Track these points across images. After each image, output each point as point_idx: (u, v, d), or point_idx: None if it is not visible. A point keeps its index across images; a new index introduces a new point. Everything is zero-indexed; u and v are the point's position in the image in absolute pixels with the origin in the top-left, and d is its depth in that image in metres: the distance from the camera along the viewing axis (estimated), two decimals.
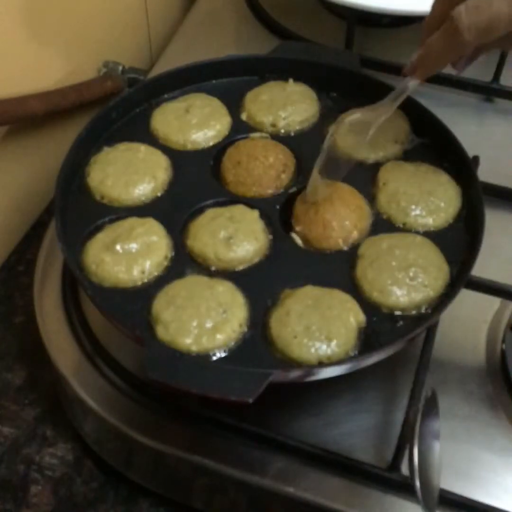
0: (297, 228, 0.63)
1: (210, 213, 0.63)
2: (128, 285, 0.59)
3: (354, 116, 0.63)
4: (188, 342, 0.55)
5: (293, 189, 0.66)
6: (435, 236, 0.63)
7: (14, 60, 0.75)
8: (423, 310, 0.58)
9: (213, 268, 0.61)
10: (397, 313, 0.58)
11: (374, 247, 0.61)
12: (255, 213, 0.63)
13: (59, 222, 0.61)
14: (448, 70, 0.62)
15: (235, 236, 0.61)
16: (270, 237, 0.63)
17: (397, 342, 0.56)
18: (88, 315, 0.67)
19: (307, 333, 0.56)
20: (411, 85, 0.61)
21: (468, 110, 0.85)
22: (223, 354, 0.55)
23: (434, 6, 0.56)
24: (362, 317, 0.58)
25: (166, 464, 0.61)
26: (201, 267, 0.61)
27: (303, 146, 0.70)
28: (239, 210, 0.63)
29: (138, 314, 0.58)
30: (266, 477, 0.58)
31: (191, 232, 0.62)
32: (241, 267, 0.61)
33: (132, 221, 0.63)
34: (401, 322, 0.58)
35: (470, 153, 0.67)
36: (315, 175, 0.62)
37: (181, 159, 0.68)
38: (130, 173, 0.66)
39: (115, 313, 0.57)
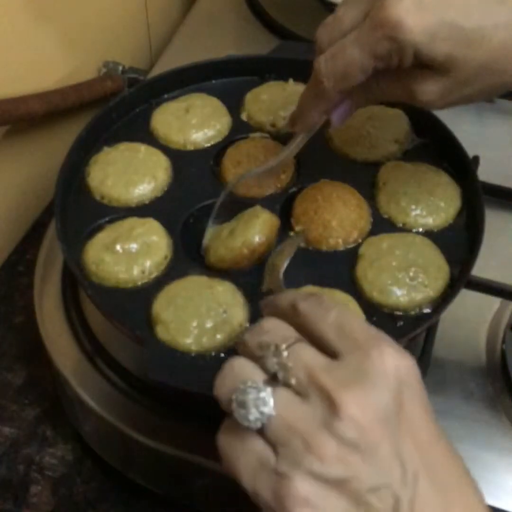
0: (297, 228, 0.63)
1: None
2: (128, 285, 0.59)
3: (249, 173, 0.65)
4: (188, 342, 0.55)
5: (293, 189, 0.66)
6: (435, 236, 0.63)
7: (14, 60, 0.75)
8: (423, 310, 0.58)
9: None
10: (397, 313, 0.58)
11: (374, 247, 0.61)
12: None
13: (59, 222, 0.61)
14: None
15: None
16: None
17: (397, 342, 0.56)
18: (88, 315, 0.67)
19: None
20: (298, 140, 0.62)
21: (468, 110, 0.85)
22: (223, 354, 0.55)
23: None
24: (362, 317, 0.58)
25: (166, 464, 0.61)
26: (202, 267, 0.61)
27: (303, 146, 0.70)
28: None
29: (138, 314, 0.58)
30: None
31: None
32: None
33: (132, 221, 0.63)
34: (401, 322, 0.58)
35: (470, 153, 0.67)
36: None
37: (181, 159, 0.68)
38: (130, 173, 0.66)
39: (115, 313, 0.57)
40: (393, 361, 0.39)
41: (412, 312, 0.58)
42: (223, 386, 0.41)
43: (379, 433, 0.38)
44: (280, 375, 0.39)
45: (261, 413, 0.38)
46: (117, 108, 0.71)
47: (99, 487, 0.65)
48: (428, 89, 0.53)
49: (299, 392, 0.39)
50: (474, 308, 0.67)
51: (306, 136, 0.62)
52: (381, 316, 0.58)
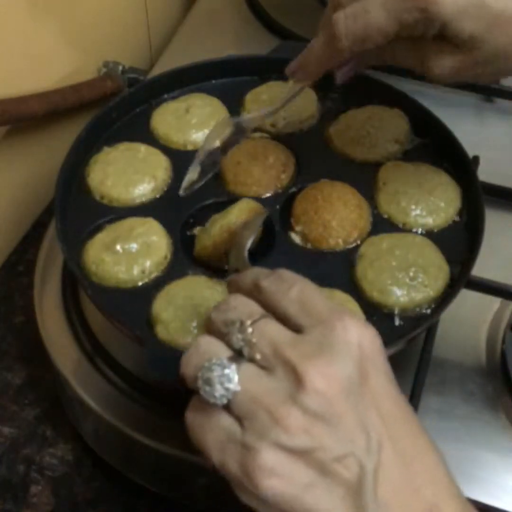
0: (297, 228, 0.63)
1: None
2: (128, 285, 0.59)
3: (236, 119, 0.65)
4: (188, 342, 0.55)
5: (293, 189, 0.66)
6: (435, 236, 0.63)
7: (14, 60, 0.75)
8: (423, 310, 0.58)
9: None
10: (397, 313, 0.58)
11: (374, 247, 0.61)
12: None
13: (59, 222, 0.61)
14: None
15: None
16: None
17: (397, 342, 0.56)
18: (88, 315, 0.67)
19: None
20: (293, 89, 0.61)
21: (468, 110, 0.85)
22: None
23: (325, 14, 0.56)
24: (362, 317, 0.58)
25: (166, 464, 0.61)
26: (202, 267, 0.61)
27: (303, 146, 0.70)
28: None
29: (138, 314, 0.58)
30: None
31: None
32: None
33: (132, 221, 0.63)
34: (401, 322, 0.58)
35: (470, 153, 0.67)
36: None
37: (181, 159, 0.68)
38: (130, 173, 0.66)
39: (115, 313, 0.57)
40: (356, 333, 0.40)
41: (412, 312, 0.58)
42: (189, 364, 0.41)
43: (343, 404, 0.38)
44: (245, 351, 0.40)
45: (226, 389, 0.39)
46: (117, 108, 0.71)
47: (99, 487, 0.65)
48: (443, 63, 0.52)
49: (265, 367, 0.39)
50: (474, 308, 0.67)
51: (303, 87, 0.61)
52: (381, 316, 0.58)
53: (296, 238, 0.63)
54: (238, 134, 0.64)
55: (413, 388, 0.60)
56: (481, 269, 0.60)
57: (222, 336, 0.41)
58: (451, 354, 0.65)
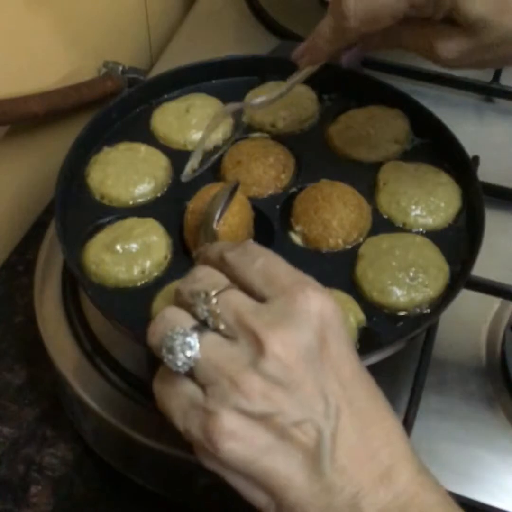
0: (297, 228, 0.63)
1: None
2: (128, 285, 0.59)
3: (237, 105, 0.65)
4: None
5: (293, 189, 0.66)
6: (435, 236, 0.63)
7: (14, 60, 0.75)
8: (423, 310, 0.58)
9: None
10: (397, 313, 0.58)
11: (374, 247, 0.61)
12: None
13: (59, 222, 0.61)
14: (449, 70, 0.61)
15: None
16: None
17: (397, 342, 0.56)
18: (88, 315, 0.67)
19: None
20: (297, 74, 0.61)
21: (468, 110, 0.85)
22: None
23: None
24: (362, 317, 0.58)
25: (166, 464, 0.61)
26: None
27: (303, 146, 0.70)
28: None
29: (138, 314, 0.58)
30: None
31: None
32: None
33: (132, 221, 0.63)
34: (401, 322, 0.58)
35: (470, 153, 0.67)
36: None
37: (181, 159, 0.68)
38: (130, 173, 0.66)
39: (115, 313, 0.57)
40: (317, 303, 0.41)
41: (412, 312, 0.58)
42: (154, 333, 0.43)
43: (302, 370, 0.40)
44: (210, 321, 0.41)
45: (188, 357, 0.40)
46: (117, 108, 0.71)
47: (99, 487, 0.65)
48: (450, 47, 0.52)
49: (228, 336, 0.41)
50: (474, 308, 0.67)
51: (310, 71, 0.61)
52: (381, 316, 0.58)
53: (296, 238, 0.63)
54: (240, 121, 0.64)
55: (413, 388, 0.60)
56: (481, 269, 0.60)
57: (188, 307, 0.42)
58: (451, 354, 0.65)
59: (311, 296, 0.41)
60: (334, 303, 0.42)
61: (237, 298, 0.42)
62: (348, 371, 0.41)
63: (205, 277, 0.44)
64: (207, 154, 0.64)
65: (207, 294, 0.42)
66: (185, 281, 0.44)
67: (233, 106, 0.65)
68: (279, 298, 0.41)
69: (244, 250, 0.44)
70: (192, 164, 0.63)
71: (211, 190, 0.60)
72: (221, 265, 0.44)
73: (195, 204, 0.61)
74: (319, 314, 0.41)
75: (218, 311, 0.41)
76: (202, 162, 0.64)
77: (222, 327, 0.41)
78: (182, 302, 0.43)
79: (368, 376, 0.43)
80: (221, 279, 0.43)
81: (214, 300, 0.41)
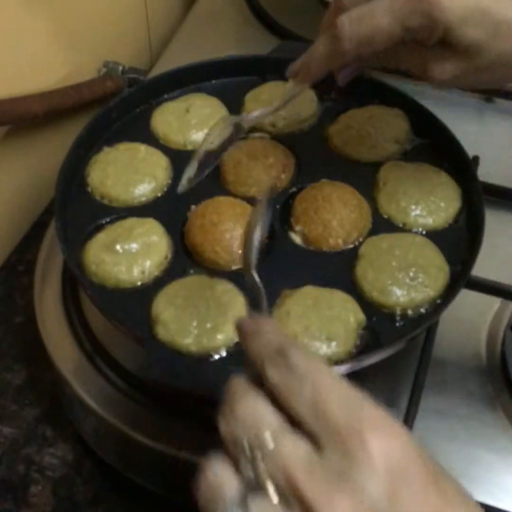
0: (297, 228, 0.63)
1: None
2: (128, 285, 0.59)
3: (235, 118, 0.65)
4: (188, 342, 0.55)
5: (293, 189, 0.67)
6: (435, 236, 0.63)
7: (14, 60, 0.75)
8: (423, 310, 0.58)
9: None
10: (397, 313, 0.58)
11: (374, 247, 0.61)
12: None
13: (59, 222, 0.61)
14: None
15: None
16: None
17: (397, 342, 0.56)
18: (88, 315, 0.67)
19: (307, 333, 0.56)
20: (293, 90, 0.61)
21: (468, 110, 0.85)
22: (223, 354, 0.55)
23: (326, 15, 0.56)
24: (362, 317, 0.58)
25: (166, 464, 0.61)
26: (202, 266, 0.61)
27: (303, 146, 0.70)
28: None
29: (138, 314, 0.58)
30: None
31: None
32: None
33: (132, 221, 0.63)
34: (401, 322, 0.58)
35: (470, 153, 0.67)
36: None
37: (181, 159, 0.68)
38: (130, 173, 0.66)
39: (115, 313, 0.57)
40: (380, 449, 0.34)
41: (412, 312, 0.58)
42: (200, 501, 0.39)
43: None
44: (256, 481, 0.36)
45: None
46: (117, 108, 0.71)
47: (99, 487, 0.65)
48: (445, 69, 0.53)
49: (280, 496, 0.35)
50: (474, 308, 0.67)
51: (304, 88, 0.61)
52: (381, 316, 0.58)
53: (296, 238, 0.63)
54: (237, 133, 0.64)
55: (413, 388, 0.60)
56: (481, 269, 0.60)
57: (233, 457, 0.37)
58: (451, 354, 0.65)
59: (371, 442, 0.34)
60: (403, 438, 0.35)
61: (286, 450, 0.36)
62: None
63: (247, 418, 0.38)
64: (204, 164, 0.63)
65: (251, 449, 0.36)
66: (226, 421, 0.38)
67: (230, 119, 0.65)
68: (333, 447, 0.35)
69: (288, 368, 0.37)
70: (188, 175, 0.63)
71: (220, 203, 0.61)
72: (264, 378, 0.38)
73: (200, 210, 0.61)
74: (385, 462, 0.34)
75: (265, 474, 0.35)
76: (198, 172, 0.64)
77: (271, 490, 0.35)
78: (226, 448, 0.38)
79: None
80: (265, 420, 0.37)
81: (258, 456, 0.36)
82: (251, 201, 0.65)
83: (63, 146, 0.66)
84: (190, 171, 0.63)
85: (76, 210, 0.65)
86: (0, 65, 0.73)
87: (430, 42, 0.51)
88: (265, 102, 0.72)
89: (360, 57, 0.54)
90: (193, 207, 0.64)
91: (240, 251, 0.60)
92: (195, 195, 0.66)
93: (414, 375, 0.61)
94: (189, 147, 0.70)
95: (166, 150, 0.69)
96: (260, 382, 0.39)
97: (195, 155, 0.64)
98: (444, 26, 0.50)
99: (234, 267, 0.61)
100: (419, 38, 0.51)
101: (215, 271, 0.60)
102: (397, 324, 0.58)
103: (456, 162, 0.67)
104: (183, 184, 0.64)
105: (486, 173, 0.69)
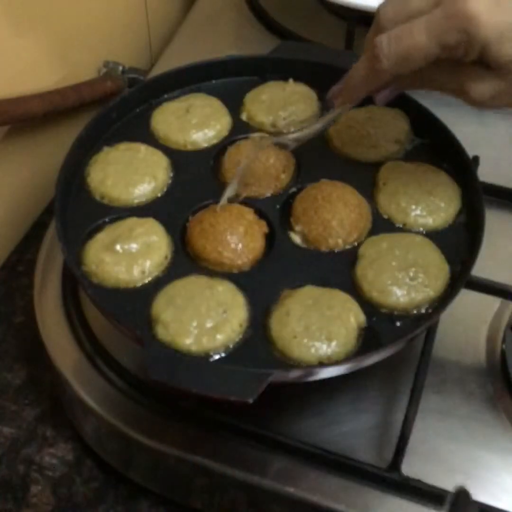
0: (297, 228, 0.63)
1: None
2: (128, 285, 0.59)
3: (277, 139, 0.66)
4: (188, 342, 0.55)
5: (293, 189, 0.66)
6: (435, 236, 0.63)
7: (14, 60, 0.75)
8: (423, 310, 0.58)
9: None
10: (397, 313, 0.58)
11: (374, 247, 0.61)
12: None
13: (59, 222, 0.61)
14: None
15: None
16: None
17: (397, 342, 0.56)
18: (88, 315, 0.67)
19: (307, 333, 0.56)
20: (337, 111, 0.62)
21: (468, 110, 0.84)
22: (223, 354, 0.55)
23: (367, 36, 0.57)
24: (362, 317, 0.58)
25: (166, 464, 0.61)
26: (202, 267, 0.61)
27: (303, 146, 0.70)
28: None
29: (138, 314, 0.58)
30: (266, 477, 0.58)
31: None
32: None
33: (132, 221, 0.63)
34: (401, 322, 0.58)
35: (470, 153, 0.67)
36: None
37: (181, 159, 0.68)
38: (130, 173, 0.66)
39: (115, 313, 0.57)
40: None
41: (412, 312, 0.58)
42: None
43: None
44: None
45: None
46: (117, 108, 0.71)
47: (99, 487, 0.65)
48: (482, 88, 0.53)
49: None
50: (474, 308, 0.67)
51: (344, 110, 0.62)
52: (381, 316, 0.58)
53: (296, 238, 0.63)
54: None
55: (413, 388, 0.60)
56: (481, 269, 0.60)
57: None
58: (451, 354, 0.65)
59: None
60: None
61: None
62: None
63: None
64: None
65: None
66: None
67: (267, 140, 0.66)
68: None
69: None
70: (228, 193, 0.63)
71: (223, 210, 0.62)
72: None
73: (197, 218, 0.62)
74: None
75: None
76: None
77: None
78: None
79: None
80: None
81: None
82: (251, 200, 0.65)
83: (63, 146, 0.66)
84: (230, 190, 0.63)
85: (76, 210, 0.64)
86: (0, 65, 0.73)
87: (467, 59, 0.51)
88: (265, 102, 0.72)
89: (398, 76, 0.54)
90: (191, 217, 0.64)
91: (241, 245, 0.61)
92: (194, 195, 0.66)
93: (414, 375, 0.61)
94: (189, 147, 0.70)
95: (166, 150, 0.69)
96: None
97: (236, 175, 0.64)
98: (482, 42, 0.49)
99: (239, 269, 0.61)
100: (456, 56, 0.51)
101: (216, 272, 0.60)
102: (397, 324, 0.58)
103: (456, 162, 0.67)
104: (222, 204, 0.63)
105: (486, 173, 0.69)
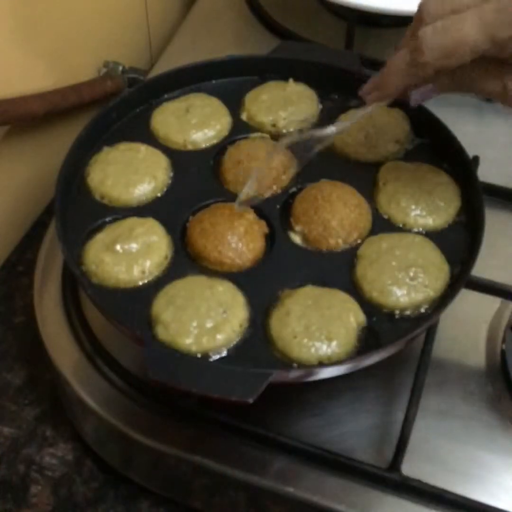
0: (297, 228, 0.63)
1: None
2: (128, 285, 0.59)
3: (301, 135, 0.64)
4: (188, 342, 0.55)
5: (293, 189, 0.67)
6: (435, 236, 0.63)
7: (14, 60, 0.75)
8: (423, 310, 0.58)
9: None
10: (397, 313, 0.58)
11: (374, 247, 0.61)
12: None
13: (59, 222, 0.61)
14: None
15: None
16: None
17: (397, 342, 0.56)
18: (88, 315, 0.67)
19: (307, 333, 0.56)
20: (368, 109, 0.60)
21: (468, 110, 0.85)
22: (223, 354, 0.55)
23: (407, 32, 0.55)
24: (362, 317, 0.58)
25: (166, 464, 0.61)
26: (202, 267, 0.61)
27: (303, 146, 0.70)
28: None
29: (138, 314, 0.58)
30: (266, 477, 0.58)
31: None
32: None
33: (132, 221, 0.63)
34: (401, 322, 0.58)
35: (470, 153, 0.67)
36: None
37: (181, 159, 0.68)
38: (130, 173, 0.66)
39: (115, 313, 0.57)
40: None
41: (412, 312, 0.58)
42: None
43: None
44: None
45: None
46: (117, 108, 0.71)
47: (99, 487, 0.65)
48: None
49: None
50: (474, 308, 0.67)
51: (376, 107, 0.60)
52: (381, 316, 0.58)
53: (296, 238, 0.63)
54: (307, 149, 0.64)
55: (413, 388, 0.60)
56: (481, 269, 0.60)
57: None
58: (451, 354, 0.65)
59: None
60: None
61: None
62: None
63: None
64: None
65: None
66: None
67: (292, 138, 0.64)
68: None
69: None
70: (246, 191, 0.62)
71: (217, 208, 0.62)
72: None
73: (197, 218, 0.62)
74: None
75: None
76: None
77: None
78: None
79: None
80: None
81: None
82: (251, 201, 0.65)
83: (63, 146, 0.66)
84: (247, 188, 0.62)
85: (76, 210, 0.64)
86: (0, 66, 0.73)
87: None
88: (265, 102, 0.72)
89: (438, 74, 0.52)
90: (191, 217, 0.64)
91: (241, 245, 0.61)
92: (194, 195, 0.66)
93: (414, 375, 0.61)
94: (189, 147, 0.70)
95: (166, 150, 0.69)
96: None
97: (254, 173, 0.63)
98: None
99: (239, 269, 0.61)
100: (504, 53, 0.49)
101: (216, 271, 0.60)
102: (397, 324, 0.58)
103: (456, 162, 0.67)
104: (240, 201, 0.62)
105: (486, 173, 0.69)
